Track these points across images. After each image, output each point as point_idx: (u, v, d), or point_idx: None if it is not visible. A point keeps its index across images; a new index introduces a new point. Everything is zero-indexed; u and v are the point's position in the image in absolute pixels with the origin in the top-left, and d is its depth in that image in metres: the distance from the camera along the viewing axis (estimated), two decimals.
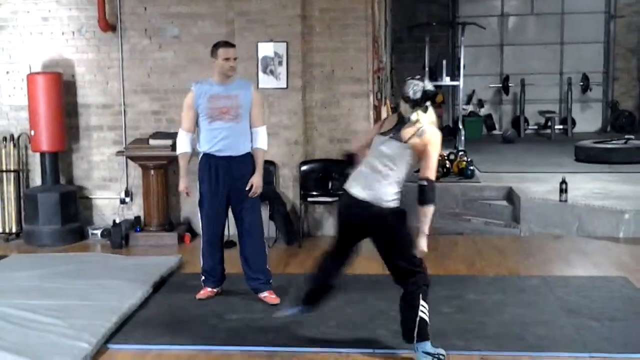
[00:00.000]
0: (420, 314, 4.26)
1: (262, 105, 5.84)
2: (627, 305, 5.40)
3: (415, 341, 4.28)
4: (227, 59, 5.43)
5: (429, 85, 4.28)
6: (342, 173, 7.37)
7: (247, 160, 5.47)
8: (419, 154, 4.22)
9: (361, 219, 4.32)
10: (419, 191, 4.20)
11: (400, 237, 4.31)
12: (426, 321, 4.27)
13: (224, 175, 5.42)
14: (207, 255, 5.64)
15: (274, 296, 5.52)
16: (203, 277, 5.70)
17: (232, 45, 5.60)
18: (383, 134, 4.34)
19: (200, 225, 5.68)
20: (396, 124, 4.30)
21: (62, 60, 8.07)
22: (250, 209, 5.50)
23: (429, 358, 4.27)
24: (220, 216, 5.58)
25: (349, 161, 4.68)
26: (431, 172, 4.21)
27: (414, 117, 4.21)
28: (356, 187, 4.33)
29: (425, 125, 4.21)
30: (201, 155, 5.54)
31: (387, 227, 4.28)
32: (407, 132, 4.22)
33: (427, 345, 4.29)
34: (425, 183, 4.18)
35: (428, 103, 4.25)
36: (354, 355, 4.53)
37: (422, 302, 4.28)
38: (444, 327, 4.92)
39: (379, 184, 4.26)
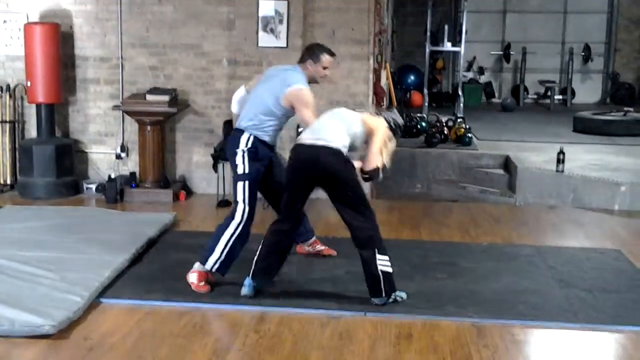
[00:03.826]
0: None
1: None
2: (619, 277, 5.42)
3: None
4: (326, 68, 5.12)
5: None
6: None
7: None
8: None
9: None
10: None
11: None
12: None
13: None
14: None
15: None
16: None
17: (334, 55, 5.25)
18: None
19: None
20: None
21: (60, 11, 7.96)
22: None
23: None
24: None
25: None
26: None
27: None
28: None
29: None
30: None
31: None
32: None
33: None
34: None
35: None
36: (345, 317, 4.54)
37: None
38: (437, 293, 4.95)
39: None
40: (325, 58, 5.10)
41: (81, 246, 5.67)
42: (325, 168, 4.61)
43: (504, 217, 7.26)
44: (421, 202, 8.06)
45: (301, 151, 4.71)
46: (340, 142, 4.68)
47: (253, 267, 4.81)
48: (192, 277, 4.93)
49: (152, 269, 5.40)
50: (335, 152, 4.63)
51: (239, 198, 5.00)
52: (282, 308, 4.64)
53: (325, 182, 4.68)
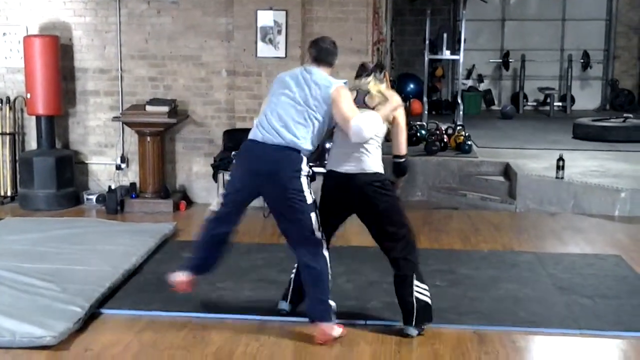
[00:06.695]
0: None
1: None
2: (620, 283, 5.42)
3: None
4: None
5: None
6: None
7: None
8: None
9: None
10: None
11: None
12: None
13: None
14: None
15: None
16: None
17: None
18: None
19: None
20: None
21: (59, 24, 7.99)
22: None
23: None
24: None
25: None
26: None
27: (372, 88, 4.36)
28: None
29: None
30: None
31: None
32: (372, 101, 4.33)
33: None
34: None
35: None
36: (346, 326, 4.53)
37: None
38: (437, 301, 4.92)
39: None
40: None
41: (82, 257, 5.68)
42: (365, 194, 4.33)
43: (504, 224, 7.26)
44: (421, 210, 8.05)
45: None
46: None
47: (291, 292, 4.63)
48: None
49: (153, 279, 5.40)
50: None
51: None
52: (281, 318, 4.63)
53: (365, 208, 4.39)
